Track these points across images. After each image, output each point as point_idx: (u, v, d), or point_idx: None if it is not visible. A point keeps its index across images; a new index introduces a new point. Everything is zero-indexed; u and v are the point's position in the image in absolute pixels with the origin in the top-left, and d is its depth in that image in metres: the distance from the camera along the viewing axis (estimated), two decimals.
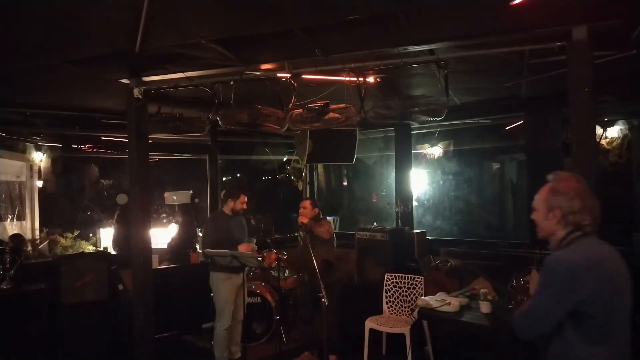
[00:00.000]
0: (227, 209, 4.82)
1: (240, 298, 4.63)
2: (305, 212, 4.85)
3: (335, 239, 5.00)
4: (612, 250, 1.94)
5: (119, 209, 5.95)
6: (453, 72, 3.76)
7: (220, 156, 7.04)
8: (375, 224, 6.13)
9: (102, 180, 6.93)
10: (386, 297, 4.95)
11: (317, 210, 4.91)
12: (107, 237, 6.09)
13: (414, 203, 6.55)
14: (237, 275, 4.58)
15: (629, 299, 1.90)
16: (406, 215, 6.20)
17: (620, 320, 1.87)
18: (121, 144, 6.05)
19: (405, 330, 4.32)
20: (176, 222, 6.43)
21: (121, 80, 4.12)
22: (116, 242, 5.96)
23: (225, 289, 4.61)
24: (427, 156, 6.72)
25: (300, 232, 5.00)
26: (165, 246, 6.12)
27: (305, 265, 4.87)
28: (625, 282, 1.90)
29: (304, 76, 3.75)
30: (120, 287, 5.03)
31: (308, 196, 7.45)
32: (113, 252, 5.78)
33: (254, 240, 4.87)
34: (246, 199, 4.81)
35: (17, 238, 4.98)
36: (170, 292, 5.48)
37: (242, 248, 4.61)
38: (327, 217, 7.03)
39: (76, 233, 5.94)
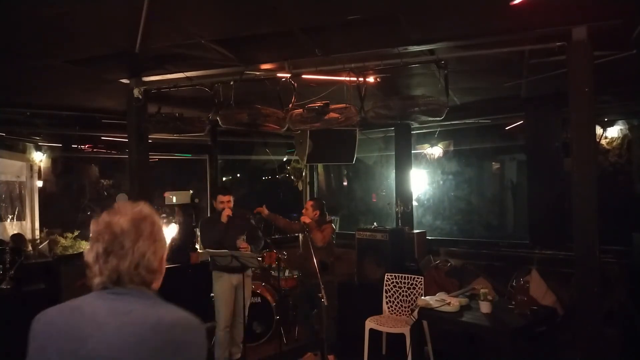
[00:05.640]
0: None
1: (240, 299, 4.61)
2: (307, 213, 4.84)
3: (333, 244, 4.98)
4: (93, 316, 1.26)
5: None
6: (453, 72, 3.76)
7: (220, 156, 7.04)
8: (375, 224, 6.12)
9: (102, 180, 6.92)
10: (386, 297, 4.95)
11: (317, 212, 4.84)
12: None
13: (414, 203, 6.55)
14: (232, 275, 4.55)
15: None
16: (406, 215, 6.20)
17: None
18: (121, 144, 6.04)
19: (405, 330, 4.32)
20: (176, 222, 6.42)
21: (121, 80, 4.12)
22: None
23: (219, 287, 4.60)
24: (427, 156, 6.71)
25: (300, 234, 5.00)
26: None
27: (303, 264, 4.87)
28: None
29: (304, 76, 3.75)
30: None
31: (309, 196, 7.43)
32: None
33: (243, 238, 4.74)
34: (227, 199, 4.62)
35: (18, 238, 4.98)
36: (170, 292, 5.46)
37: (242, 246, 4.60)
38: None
39: (76, 233, 5.93)
